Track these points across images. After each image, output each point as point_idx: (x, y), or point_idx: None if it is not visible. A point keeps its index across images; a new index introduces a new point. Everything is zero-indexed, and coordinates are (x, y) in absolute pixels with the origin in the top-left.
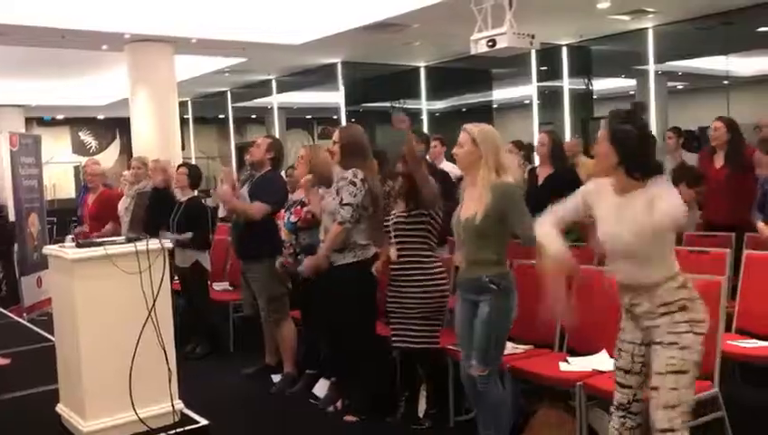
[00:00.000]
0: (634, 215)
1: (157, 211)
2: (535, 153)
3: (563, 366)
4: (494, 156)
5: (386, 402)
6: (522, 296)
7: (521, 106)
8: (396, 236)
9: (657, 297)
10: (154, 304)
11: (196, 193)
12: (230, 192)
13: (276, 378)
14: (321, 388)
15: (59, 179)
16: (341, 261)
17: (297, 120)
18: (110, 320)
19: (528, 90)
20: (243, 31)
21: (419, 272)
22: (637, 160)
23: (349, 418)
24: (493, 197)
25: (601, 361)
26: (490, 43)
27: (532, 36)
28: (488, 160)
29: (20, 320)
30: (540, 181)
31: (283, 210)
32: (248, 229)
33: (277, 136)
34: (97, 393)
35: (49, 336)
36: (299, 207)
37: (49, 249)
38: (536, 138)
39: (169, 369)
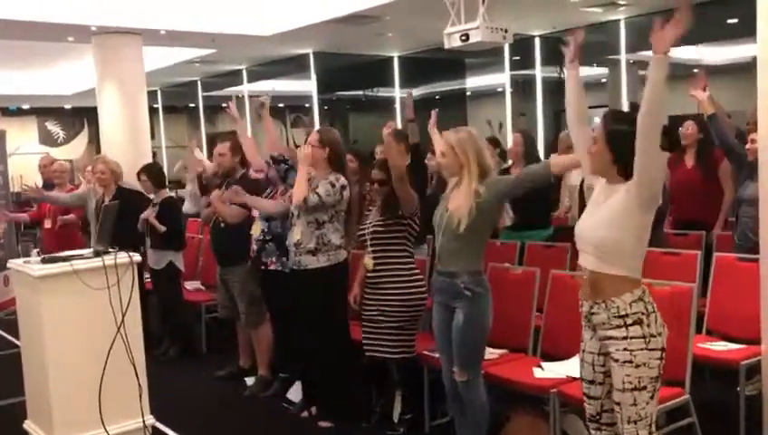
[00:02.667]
0: (614, 201)
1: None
2: (509, 153)
3: (537, 372)
4: (475, 163)
5: (360, 407)
6: (496, 300)
7: (494, 94)
8: (372, 244)
9: (614, 308)
10: (123, 320)
11: (168, 192)
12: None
13: (250, 381)
14: (295, 392)
15: (25, 170)
16: (315, 264)
17: (269, 108)
18: (78, 336)
19: (501, 78)
20: (212, 22)
21: (397, 280)
22: (631, 160)
23: (323, 423)
24: (479, 203)
25: (575, 366)
26: (463, 38)
27: (506, 30)
28: (471, 168)
29: None
30: None
31: None
32: (227, 232)
33: (248, 125)
34: (66, 410)
35: (15, 341)
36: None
37: (14, 264)
38: (510, 125)
39: (140, 384)
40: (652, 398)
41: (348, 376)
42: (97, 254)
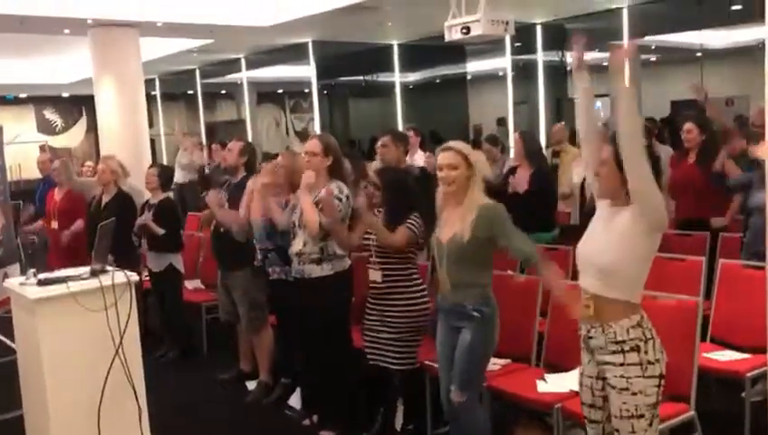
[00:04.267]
0: (619, 225)
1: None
2: (512, 153)
3: (541, 386)
4: (482, 177)
5: (362, 417)
6: (500, 308)
7: (495, 78)
8: (377, 256)
9: (611, 333)
10: (121, 341)
11: (167, 194)
12: (220, 200)
13: (251, 385)
14: (297, 399)
15: (24, 159)
16: (318, 273)
17: (268, 94)
18: (76, 357)
19: (502, 62)
20: (210, 13)
21: (400, 292)
22: None
23: (325, 433)
24: (480, 218)
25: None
26: (464, 31)
27: (507, 23)
28: (478, 181)
29: None
30: (525, 182)
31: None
32: (228, 237)
33: (248, 111)
34: (65, 433)
35: (11, 345)
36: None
37: (10, 285)
38: (511, 111)
39: (139, 406)
40: (650, 425)
41: (350, 385)
42: (94, 274)
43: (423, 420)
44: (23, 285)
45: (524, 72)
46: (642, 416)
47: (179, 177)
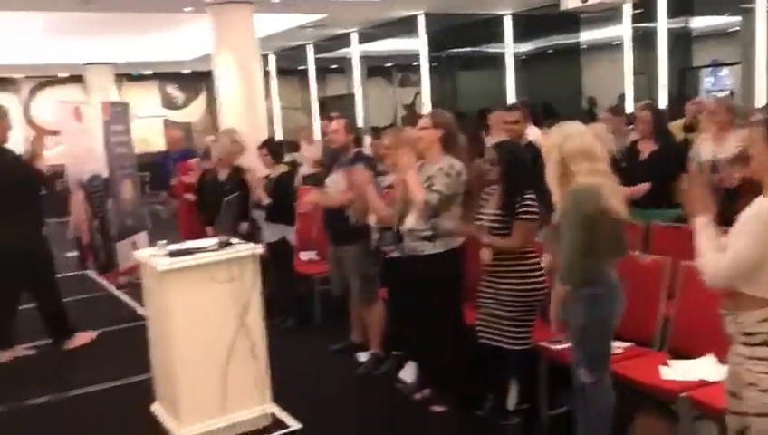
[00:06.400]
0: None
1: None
2: (635, 128)
3: (665, 372)
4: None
5: (474, 394)
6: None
7: (610, 48)
8: (491, 234)
9: (739, 323)
10: (246, 311)
11: (283, 167)
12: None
13: (362, 356)
14: (408, 372)
15: (148, 134)
16: (431, 250)
17: (377, 68)
18: (204, 327)
19: (619, 30)
20: None
21: (514, 271)
22: None
23: (436, 408)
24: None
25: (708, 368)
26: None
27: None
28: (582, 162)
29: (114, 292)
30: (642, 157)
31: None
32: (340, 211)
33: (358, 85)
34: (192, 398)
35: (142, 312)
36: (387, 191)
37: (140, 256)
38: (628, 83)
39: (262, 373)
40: None
41: (462, 362)
42: (221, 246)
43: (537, 401)
44: (153, 256)
45: (644, 41)
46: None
47: (305, 170)
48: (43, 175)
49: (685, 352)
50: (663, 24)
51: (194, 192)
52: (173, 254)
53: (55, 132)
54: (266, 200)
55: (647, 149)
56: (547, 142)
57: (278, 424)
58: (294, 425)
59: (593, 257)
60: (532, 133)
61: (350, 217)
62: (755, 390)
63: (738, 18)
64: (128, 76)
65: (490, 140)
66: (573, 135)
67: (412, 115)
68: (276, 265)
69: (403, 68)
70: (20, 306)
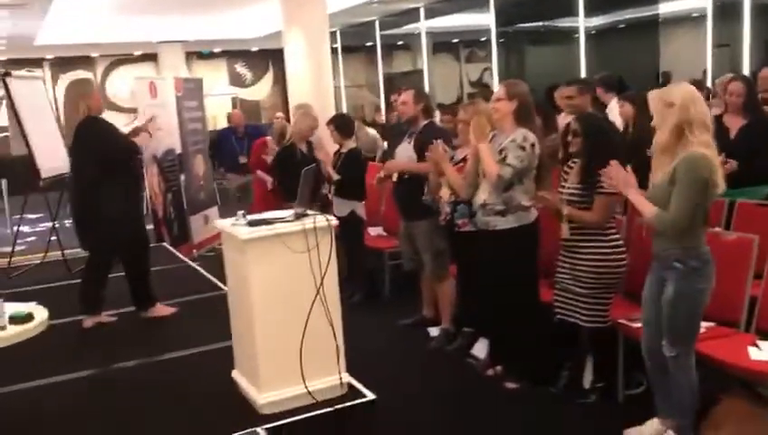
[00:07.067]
0: None
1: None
2: (725, 102)
3: (754, 353)
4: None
5: (548, 371)
6: None
7: (690, 20)
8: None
9: None
10: (322, 282)
11: (353, 143)
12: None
13: (434, 331)
14: (479, 348)
15: (218, 111)
16: (504, 225)
17: (443, 44)
18: (282, 296)
19: (701, 1)
20: None
21: (592, 247)
22: None
23: (509, 384)
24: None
25: None
26: None
27: None
28: (693, 126)
29: (190, 263)
30: (732, 134)
31: None
32: (410, 185)
33: (425, 61)
34: (270, 367)
35: (218, 283)
36: (461, 165)
37: (222, 226)
38: (709, 58)
39: (337, 345)
40: None
41: (536, 339)
42: (298, 217)
43: (614, 379)
44: (234, 225)
45: (726, 12)
46: None
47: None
48: (136, 147)
49: None
50: None
51: (271, 170)
52: (252, 223)
53: (133, 110)
54: (336, 176)
55: (735, 124)
56: (666, 99)
57: (354, 394)
58: (369, 395)
59: (699, 227)
60: (614, 109)
61: (425, 195)
62: None
63: None
64: (198, 54)
65: (562, 119)
66: (699, 100)
67: (484, 91)
68: (345, 239)
69: (470, 44)
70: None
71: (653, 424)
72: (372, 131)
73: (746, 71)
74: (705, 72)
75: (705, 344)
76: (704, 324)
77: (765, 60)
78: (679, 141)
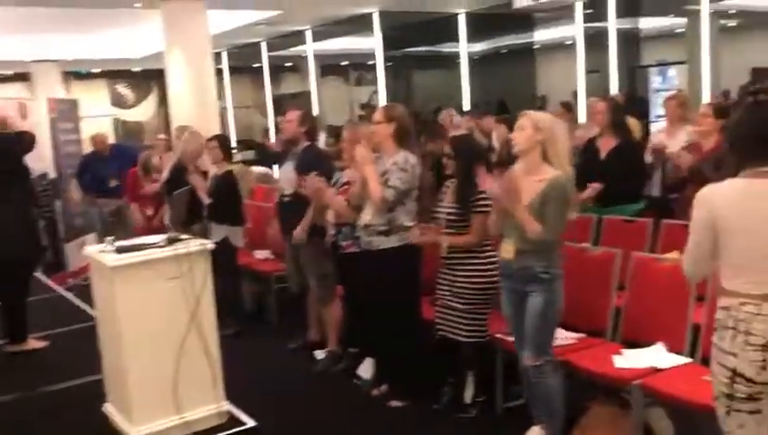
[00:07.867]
0: None
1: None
2: (590, 121)
3: (618, 361)
4: (553, 146)
5: (431, 388)
6: (574, 281)
7: (563, 47)
8: (447, 228)
9: None
10: (197, 307)
11: (229, 165)
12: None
13: (320, 354)
14: (365, 369)
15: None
16: (386, 245)
17: (332, 66)
18: (154, 324)
19: (572, 30)
20: None
21: (470, 263)
22: None
23: (394, 403)
24: (546, 190)
25: (659, 356)
26: None
27: None
28: (554, 149)
29: (63, 293)
30: (603, 155)
31: None
32: (294, 207)
33: (313, 84)
34: (143, 398)
35: (92, 313)
36: (346, 187)
37: (89, 252)
38: (581, 81)
39: (214, 372)
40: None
41: (419, 357)
42: (170, 242)
43: (493, 393)
44: (102, 252)
45: (595, 40)
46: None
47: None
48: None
49: (638, 342)
50: (613, 24)
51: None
52: (120, 250)
53: None
54: (207, 200)
55: (606, 146)
56: (528, 125)
57: (234, 422)
58: (250, 422)
59: (559, 244)
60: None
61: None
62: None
63: (684, 20)
64: (75, 74)
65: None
66: (559, 122)
67: (371, 113)
68: (216, 267)
69: (359, 67)
70: None
71: (533, 432)
72: (259, 170)
73: (615, 92)
74: (575, 93)
75: (574, 355)
76: (573, 335)
77: (630, 84)
78: (543, 162)
